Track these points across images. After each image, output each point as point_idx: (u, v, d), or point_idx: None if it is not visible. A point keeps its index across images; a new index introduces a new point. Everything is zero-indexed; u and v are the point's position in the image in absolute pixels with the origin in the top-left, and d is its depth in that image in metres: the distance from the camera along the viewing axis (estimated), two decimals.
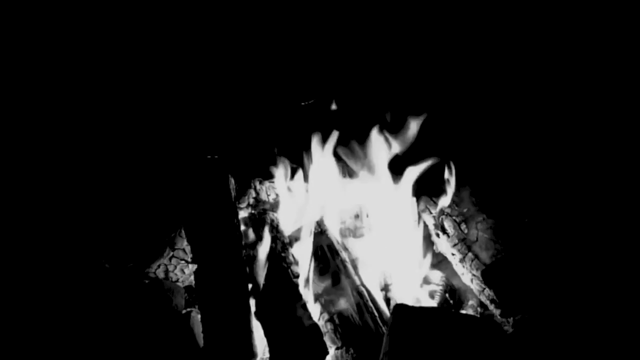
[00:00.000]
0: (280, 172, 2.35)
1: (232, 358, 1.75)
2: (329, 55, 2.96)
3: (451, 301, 2.21)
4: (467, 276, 2.16)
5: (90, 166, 2.63)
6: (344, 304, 1.92)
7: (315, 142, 2.33)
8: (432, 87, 2.93)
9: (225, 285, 1.88)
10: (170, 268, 2.23)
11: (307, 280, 2.04)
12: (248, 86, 2.96)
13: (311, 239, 2.13)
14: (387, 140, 2.31)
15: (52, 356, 1.86)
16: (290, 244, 2.14)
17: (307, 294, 2.01)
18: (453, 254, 2.21)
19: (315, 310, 1.96)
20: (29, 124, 2.69)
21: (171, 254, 2.22)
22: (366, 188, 2.35)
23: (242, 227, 2.14)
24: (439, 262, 2.32)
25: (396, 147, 2.32)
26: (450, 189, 2.28)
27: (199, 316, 1.94)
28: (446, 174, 2.29)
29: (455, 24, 2.95)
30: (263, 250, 2.02)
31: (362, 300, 1.94)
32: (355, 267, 2.11)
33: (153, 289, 2.09)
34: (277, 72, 2.96)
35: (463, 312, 2.15)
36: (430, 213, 2.34)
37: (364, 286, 2.02)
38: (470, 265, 2.13)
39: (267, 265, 1.97)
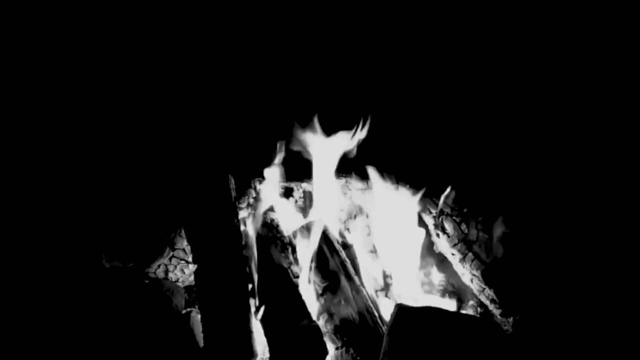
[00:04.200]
0: (280, 171, 2.35)
1: (232, 358, 1.75)
2: (328, 56, 2.96)
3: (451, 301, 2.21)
4: (467, 276, 2.16)
5: (90, 166, 2.63)
6: (344, 304, 1.92)
7: (316, 142, 2.33)
8: (432, 86, 2.93)
9: (225, 285, 1.88)
10: (170, 268, 2.23)
11: (307, 281, 2.04)
12: (248, 86, 2.96)
13: (311, 239, 2.13)
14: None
15: (52, 356, 1.86)
16: (290, 244, 2.14)
17: (307, 294, 2.01)
18: (453, 254, 2.21)
19: (315, 310, 1.96)
20: (29, 124, 2.69)
21: (171, 254, 2.22)
22: (366, 188, 2.35)
23: (242, 227, 2.14)
24: (439, 262, 2.32)
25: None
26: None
27: (199, 316, 1.94)
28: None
29: (448, 25, 2.95)
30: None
31: (362, 301, 1.94)
32: (355, 267, 2.11)
33: (153, 289, 2.09)
34: (277, 72, 2.96)
35: (463, 312, 2.15)
36: (430, 213, 2.34)
37: (363, 286, 2.02)
38: (470, 265, 2.13)
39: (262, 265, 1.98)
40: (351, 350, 1.80)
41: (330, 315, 1.92)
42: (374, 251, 2.30)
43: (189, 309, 2.14)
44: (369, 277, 2.15)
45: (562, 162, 2.54)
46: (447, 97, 2.92)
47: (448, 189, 2.25)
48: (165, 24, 2.94)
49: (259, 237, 2.10)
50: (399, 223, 2.29)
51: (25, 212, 2.38)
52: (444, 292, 2.23)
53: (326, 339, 1.81)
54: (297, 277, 1.99)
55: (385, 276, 2.22)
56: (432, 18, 2.97)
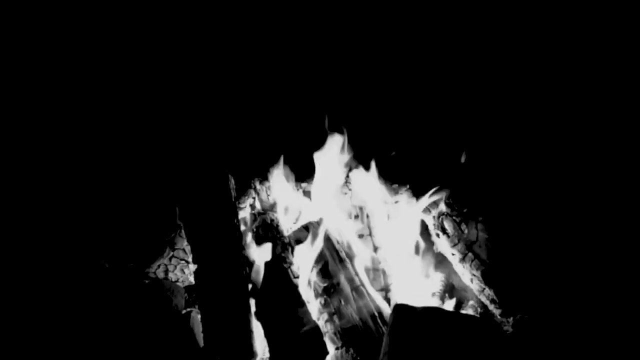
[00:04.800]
0: (281, 172, 2.35)
1: (232, 358, 1.75)
2: (328, 56, 2.96)
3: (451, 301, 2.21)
4: (467, 276, 2.16)
5: (90, 166, 2.63)
6: (343, 304, 1.92)
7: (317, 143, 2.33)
8: (432, 86, 2.93)
9: (225, 285, 1.88)
10: (170, 268, 2.23)
11: (307, 281, 2.04)
12: (248, 86, 2.96)
13: (311, 239, 2.13)
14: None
15: (52, 356, 1.86)
16: (290, 244, 2.14)
17: (307, 294, 2.01)
18: (453, 254, 2.21)
19: (315, 310, 1.96)
20: (29, 124, 2.69)
21: (171, 254, 2.22)
22: (366, 189, 2.35)
23: (242, 227, 2.14)
24: (439, 262, 2.32)
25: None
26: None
27: (199, 316, 1.94)
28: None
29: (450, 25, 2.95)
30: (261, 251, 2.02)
31: (362, 301, 1.94)
32: (355, 267, 2.11)
33: (153, 289, 2.09)
34: (277, 72, 2.96)
35: (463, 312, 2.15)
36: (430, 213, 2.34)
37: (363, 286, 2.02)
38: (470, 265, 2.13)
39: (264, 266, 1.97)
40: (351, 350, 1.80)
41: (330, 315, 1.92)
42: (374, 251, 2.30)
43: (189, 309, 2.14)
44: (369, 277, 2.14)
45: (562, 162, 2.54)
46: (447, 97, 2.92)
47: (443, 193, 2.26)
48: (167, 24, 2.94)
49: (259, 237, 2.10)
50: (400, 223, 2.29)
51: (25, 213, 2.38)
52: (444, 292, 2.22)
53: (326, 339, 1.81)
54: (297, 277, 1.99)
55: (385, 276, 2.22)
56: (431, 19, 2.97)
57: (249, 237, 2.15)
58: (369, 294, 2.00)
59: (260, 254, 2.05)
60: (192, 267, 2.07)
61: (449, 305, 2.17)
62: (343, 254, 2.11)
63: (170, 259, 2.23)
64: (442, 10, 2.95)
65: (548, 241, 2.14)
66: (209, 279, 1.90)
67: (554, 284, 1.97)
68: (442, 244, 2.28)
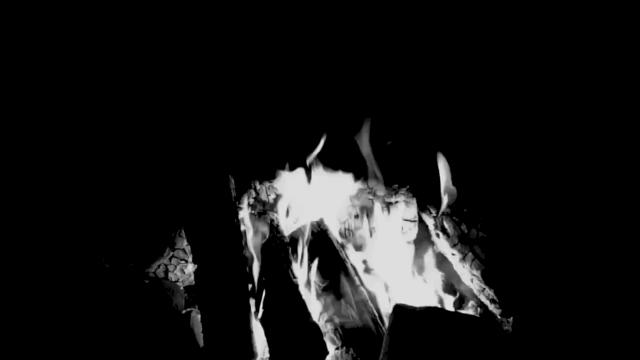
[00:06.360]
0: (281, 172, 2.35)
1: (232, 358, 1.75)
2: (328, 55, 2.96)
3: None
4: (467, 276, 2.16)
5: (90, 166, 2.63)
6: (344, 304, 1.92)
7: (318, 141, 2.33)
8: (431, 86, 2.93)
9: (225, 285, 1.88)
10: (170, 268, 2.23)
11: (307, 280, 2.04)
12: (248, 86, 2.96)
13: (311, 239, 2.13)
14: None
15: (52, 356, 1.86)
16: (290, 244, 2.14)
17: (307, 294, 2.01)
18: (453, 254, 2.21)
19: (315, 310, 1.96)
20: (29, 124, 2.69)
21: (171, 254, 2.22)
22: (367, 188, 2.35)
23: (242, 227, 2.14)
24: (439, 262, 2.32)
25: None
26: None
27: (199, 316, 1.94)
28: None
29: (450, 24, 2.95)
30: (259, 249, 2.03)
31: (362, 300, 1.94)
32: (354, 267, 2.11)
33: (153, 289, 2.09)
34: (277, 72, 2.96)
35: (463, 312, 2.15)
36: (430, 213, 2.34)
37: (363, 286, 2.02)
38: (470, 265, 2.13)
39: (262, 265, 1.98)
40: (351, 350, 1.80)
41: (331, 316, 1.92)
42: (374, 251, 2.30)
43: (189, 309, 2.14)
44: (369, 277, 2.14)
45: (561, 162, 2.54)
46: (447, 97, 2.92)
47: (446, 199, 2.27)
48: (167, 24, 2.94)
49: (259, 237, 2.10)
50: (400, 223, 2.29)
51: (26, 213, 2.38)
52: (444, 292, 2.22)
53: (326, 339, 1.81)
54: (297, 277, 1.99)
55: (385, 276, 2.22)
56: (429, 19, 2.97)
57: (249, 236, 2.15)
58: (369, 293, 2.00)
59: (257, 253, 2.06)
60: (192, 267, 2.07)
61: (449, 305, 2.18)
62: (343, 254, 2.11)
63: (170, 259, 2.23)
64: (440, 9, 2.95)
65: (547, 241, 2.14)
66: (209, 279, 1.91)
67: (553, 284, 1.98)
68: (442, 244, 2.28)
